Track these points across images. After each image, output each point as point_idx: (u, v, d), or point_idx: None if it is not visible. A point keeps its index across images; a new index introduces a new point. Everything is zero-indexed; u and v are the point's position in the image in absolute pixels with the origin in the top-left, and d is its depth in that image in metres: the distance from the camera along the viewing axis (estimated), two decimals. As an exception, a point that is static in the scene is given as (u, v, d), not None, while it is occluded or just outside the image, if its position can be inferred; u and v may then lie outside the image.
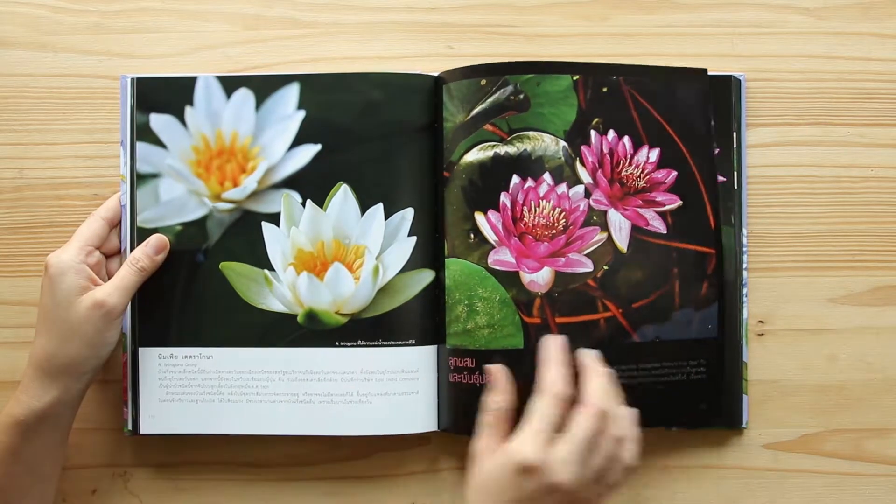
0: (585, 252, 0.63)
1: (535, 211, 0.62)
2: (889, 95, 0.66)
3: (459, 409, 0.63)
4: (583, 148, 0.63)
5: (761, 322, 0.66)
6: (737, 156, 0.65)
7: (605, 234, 0.63)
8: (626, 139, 0.63)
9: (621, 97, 0.63)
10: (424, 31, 0.66)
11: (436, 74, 0.64)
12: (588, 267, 0.62)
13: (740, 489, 0.65)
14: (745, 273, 0.65)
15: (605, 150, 0.63)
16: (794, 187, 0.66)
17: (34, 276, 0.65)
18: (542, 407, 0.54)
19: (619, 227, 0.63)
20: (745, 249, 0.65)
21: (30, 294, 0.65)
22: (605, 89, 0.63)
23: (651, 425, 0.63)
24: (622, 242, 0.63)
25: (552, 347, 0.58)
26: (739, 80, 0.65)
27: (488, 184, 0.62)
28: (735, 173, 0.65)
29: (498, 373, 0.59)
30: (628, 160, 0.63)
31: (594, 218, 0.63)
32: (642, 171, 0.63)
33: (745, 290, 0.65)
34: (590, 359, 0.58)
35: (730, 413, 0.64)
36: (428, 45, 0.66)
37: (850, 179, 0.66)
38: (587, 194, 0.63)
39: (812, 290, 0.66)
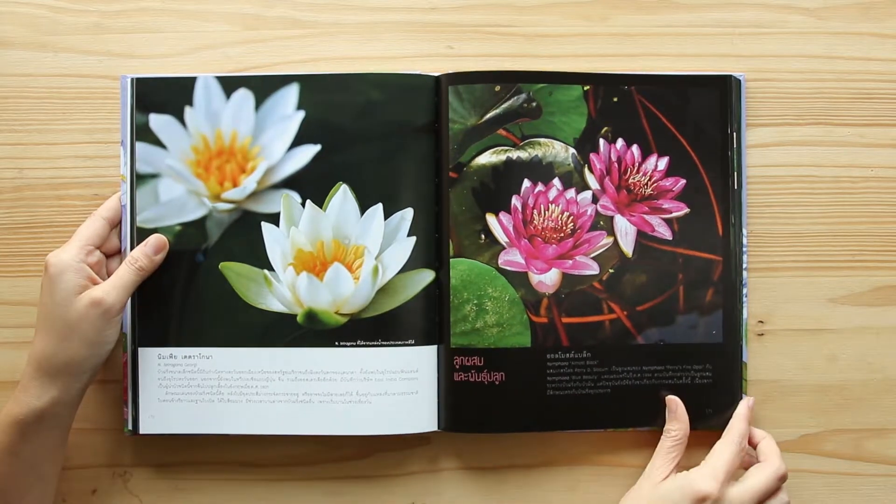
0: (592, 255, 0.64)
1: (545, 214, 0.63)
2: (889, 95, 0.66)
3: (465, 407, 0.63)
4: (591, 155, 0.64)
5: (761, 322, 0.66)
6: (737, 156, 0.65)
7: (611, 239, 0.64)
8: (634, 147, 0.64)
9: (632, 106, 0.64)
10: (424, 31, 0.66)
11: (436, 75, 0.64)
12: (594, 269, 0.64)
13: (740, 489, 0.65)
14: (745, 273, 0.65)
15: (614, 157, 0.64)
16: (794, 187, 0.66)
17: (34, 276, 0.65)
18: (729, 453, 0.61)
19: (625, 233, 0.64)
20: (745, 249, 0.65)
21: (30, 294, 0.65)
22: (615, 99, 0.64)
23: (654, 426, 0.64)
24: (627, 247, 0.64)
25: (747, 406, 0.64)
26: (739, 80, 0.65)
27: (501, 186, 0.63)
28: (735, 173, 0.65)
29: (677, 405, 0.63)
30: (636, 168, 0.64)
31: (601, 223, 0.64)
32: (650, 179, 0.64)
33: (745, 291, 0.65)
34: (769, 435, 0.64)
35: (728, 414, 0.64)
36: (428, 45, 0.66)
37: (850, 179, 0.66)
38: (594, 200, 0.64)
39: (812, 290, 0.66)
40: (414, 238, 0.63)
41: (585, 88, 0.64)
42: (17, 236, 0.66)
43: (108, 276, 0.62)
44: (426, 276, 0.63)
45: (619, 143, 0.64)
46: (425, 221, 0.63)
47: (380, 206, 0.63)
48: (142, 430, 0.64)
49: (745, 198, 0.65)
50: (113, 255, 0.64)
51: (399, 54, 0.66)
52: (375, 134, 0.63)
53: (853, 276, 0.66)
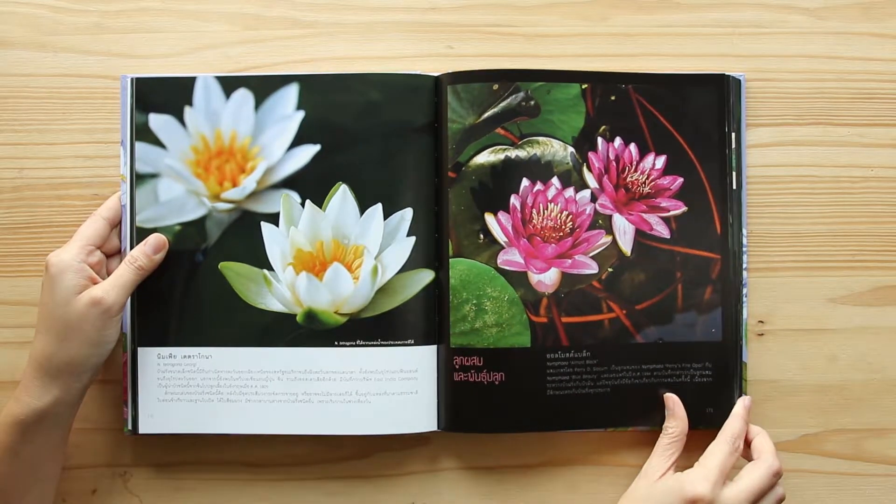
0: (591, 254, 0.64)
1: (544, 213, 0.63)
2: (889, 95, 0.66)
3: (465, 407, 0.63)
4: (590, 154, 0.64)
5: (761, 322, 0.66)
6: (737, 156, 0.65)
7: (609, 238, 0.64)
8: (632, 146, 0.64)
9: (629, 105, 0.64)
10: (424, 31, 0.66)
11: (436, 75, 0.64)
12: (593, 269, 0.64)
13: (740, 489, 0.65)
14: (745, 273, 0.65)
15: (612, 156, 0.64)
16: (794, 187, 0.66)
17: (34, 276, 0.65)
18: (723, 454, 0.60)
19: (624, 231, 0.64)
20: (745, 249, 0.65)
21: (30, 294, 0.66)
22: (613, 97, 0.64)
23: (655, 425, 0.64)
24: (626, 246, 0.64)
25: (743, 406, 0.64)
26: (739, 80, 0.65)
27: (499, 186, 0.63)
28: (735, 173, 0.65)
29: (675, 402, 0.63)
30: (634, 167, 0.64)
31: (599, 221, 0.64)
32: (647, 178, 0.64)
33: (745, 290, 0.65)
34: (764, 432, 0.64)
35: (729, 413, 0.64)
36: (428, 45, 0.66)
37: (850, 179, 0.66)
38: (593, 198, 0.64)
39: (812, 290, 0.66)
40: (413, 238, 0.63)
41: (583, 87, 0.64)
42: (17, 236, 0.66)
43: (109, 276, 0.62)
44: (426, 276, 0.63)
45: (618, 141, 0.64)
46: (425, 221, 0.63)
47: (379, 206, 0.63)
48: (141, 430, 0.64)
49: (745, 197, 0.65)
50: (113, 254, 0.64)
51: (399, 54, 0.66)
52: (375, 134, 0.63)
53: (853, 276, 0.66)
